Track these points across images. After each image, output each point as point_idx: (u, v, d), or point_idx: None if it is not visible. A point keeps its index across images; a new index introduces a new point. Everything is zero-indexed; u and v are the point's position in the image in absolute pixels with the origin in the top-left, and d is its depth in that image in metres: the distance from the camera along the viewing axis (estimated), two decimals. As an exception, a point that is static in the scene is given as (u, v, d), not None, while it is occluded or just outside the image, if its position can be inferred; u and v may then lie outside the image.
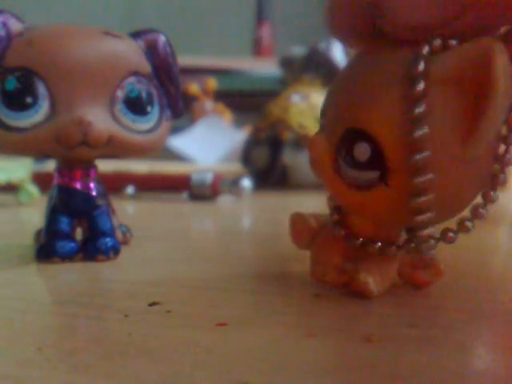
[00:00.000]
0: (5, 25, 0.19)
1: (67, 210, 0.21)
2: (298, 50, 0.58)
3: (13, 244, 0.25)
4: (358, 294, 0.16)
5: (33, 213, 0.37)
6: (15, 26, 0.19)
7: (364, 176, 0.14)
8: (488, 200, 0.15)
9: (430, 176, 0.14)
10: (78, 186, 0.21)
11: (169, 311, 0.15)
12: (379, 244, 0.16)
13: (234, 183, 0.42)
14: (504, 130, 0.15)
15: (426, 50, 0.14)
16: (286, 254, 0.23)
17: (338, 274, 0.16)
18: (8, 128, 0.19)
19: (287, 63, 0.58)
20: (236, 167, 0.57)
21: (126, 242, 0.24)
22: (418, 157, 0.13)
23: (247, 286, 0.18)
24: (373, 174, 0.14)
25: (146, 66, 0.21)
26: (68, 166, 0.21)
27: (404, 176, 0.14)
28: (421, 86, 0.13)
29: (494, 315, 0.15)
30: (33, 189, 0.39)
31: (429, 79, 0.13)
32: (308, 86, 0.54)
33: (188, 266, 0.21)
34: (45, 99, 0.19)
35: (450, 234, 0.15)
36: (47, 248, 0.21)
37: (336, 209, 0.17)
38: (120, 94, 0.20)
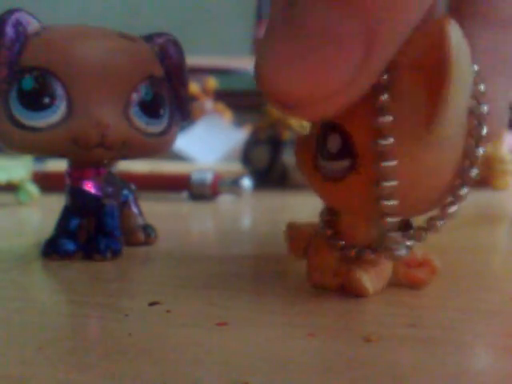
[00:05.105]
0: (21, 23, 0.19)
1: (76, 209, 0.22)
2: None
3: (13, 244, 0.25)
4: (354, 292, 0.16)
5: (33, 213, 0.37)
6: (32, 25, 0.19)
7: (337, 166, 0.15)
8: (457, 198, 0.15)
9: (393, 161, 0.14)
10: (86, 185, 0.21)
11: (169, 311, 0.15)
12: (356, 249, 0.16)
13: (234, 183, 0.42)
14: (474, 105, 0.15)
15: None
16: (285, 254, 0.23)
17: (333, 276, 0.16)
18: (23, 127, 0.19)
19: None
20: (236, 167, 0.57)
21: (149, 243, 0.24)
22: (380, 142, 0.14)
23: (247, 285, 0.18)
24: (344, 163, 0.15)
25: (159, 69, 0.21)
26: (80, 166, 0.21)
27: (371, 162, 0.14)
28: (385, 76, 0.14)
29: (493, 315, 0.15)
30: (33, 189, 0.39)
31: (394, 69, 0.14)
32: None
33: (188, 265, 0.21)
34: (62, 100, 0.19)
35: (420, 232, 0.15)
36: (49, 245, 0.21)
37: (329, 210, 0.17)
38: (135, 97, 0.20)
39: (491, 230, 0.30)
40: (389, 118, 0.14)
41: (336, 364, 0.12)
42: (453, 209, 0.15)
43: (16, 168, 0.38)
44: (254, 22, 1.54)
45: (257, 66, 0.12)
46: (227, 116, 1.01)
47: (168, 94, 0.22)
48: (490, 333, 0.14)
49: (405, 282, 0.17)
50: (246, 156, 0.52)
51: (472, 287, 0.18)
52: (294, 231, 0.18)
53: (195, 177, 0.42)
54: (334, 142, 0.15)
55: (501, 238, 0.29)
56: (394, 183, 0.14)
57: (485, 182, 0.50)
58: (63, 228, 0.21)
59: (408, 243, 0.16)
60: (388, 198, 0.14)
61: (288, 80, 0.11)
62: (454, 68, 0.13)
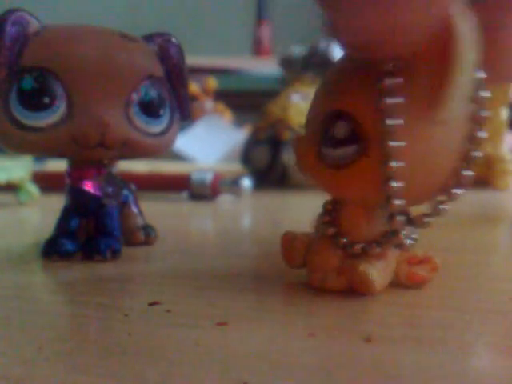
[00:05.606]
0: (21, 23, 0.19)
1: (76, 209, 0.22)
2: (297, 50, 0.58)
3: (13, 244, 0.25)
4: (360, 287, 0.16)
5: (33, 213, 0.37)
6: (32, 25, 0.19)
7: (344, 152, 0.15)
8: (461, 181, 0.15)
9: (401, 142, 0.14)
10: (86, 185, 0.21)
11: (169, 311, 0.15)
12: (361, 244, 0.16)
13: (234, 183, 0.42)
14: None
15: None
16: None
17: (337, 275, 0.16)
18: (23, 127, 0.19)
19: (287, 63, 0.58)
20: (236, 167, 0.57)
21: (149, 243, 0.24)
22: (389, 123, 0.14)
23: (247, 285, 0.18)
24: (352, 148, 0.15)
25: (159, 70, 0.21)
26: (80, 166, 0.21)
27: (379, 144, 0.15)
28: (390, 64, 0.14)
29: (493, 315, 0.15)
30: (33, 189, 0.39)
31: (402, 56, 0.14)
32: (308, 85, 0.54)
33: (188, 265, 0.21)
34: (62, 100, 0.19)
35: (425, 219, 0.16)
36: (49, 245, 0.21)
37: (327, 211, 0.17)
38: (135, 97, 0.20)
39: (491, 229, 0.30)
40: (398, 100, 0.14)
41: (336, 364, 0.12)
42: (456, 191, 0.15)
43: (16, 168, 0.38)
44: (253, 22, 1.54)
45: (332, 14, 0.12)
46: (227, 116, 1.01)
47: (168, 94, 0.22)
48: (490, 333, 0.14)
49: (406, 281, 0.17)
50: (246, 156, 0.52)
51: (472, 287, 0.18)
52: (290, 241, 0.18)
53: (195, 177, 0.42)
54: (340, 129, 0.15)
55: (501, 238, 0.29)
56: (402, 164, 0.14)
57: (485, 181, 0.50)
58: (63, 228, 0.21)
59: (413, 235, 0.16)
60: (396, 178, 0.15)
61: (368, 18, 0.11)
62: (461, 52, 0.13)
